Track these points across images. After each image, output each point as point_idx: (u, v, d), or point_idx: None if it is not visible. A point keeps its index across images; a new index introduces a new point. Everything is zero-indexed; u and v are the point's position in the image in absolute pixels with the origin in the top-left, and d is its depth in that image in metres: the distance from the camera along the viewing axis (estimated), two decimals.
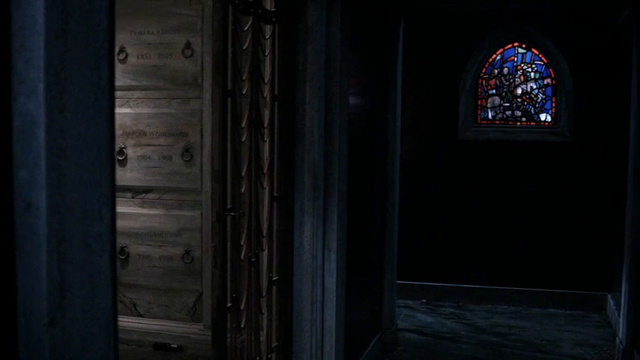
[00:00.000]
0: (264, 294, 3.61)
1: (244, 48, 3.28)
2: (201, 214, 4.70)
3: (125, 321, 5.74)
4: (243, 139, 3.35)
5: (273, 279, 3.74)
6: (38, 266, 1.64)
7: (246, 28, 3.30)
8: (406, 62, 6.44)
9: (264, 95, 3.57)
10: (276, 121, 3.69)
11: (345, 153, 4.02)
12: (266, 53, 3.57)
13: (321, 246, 3.91)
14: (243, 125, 3.32)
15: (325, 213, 3.90)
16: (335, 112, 3.88)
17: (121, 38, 5.74)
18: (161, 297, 5.34)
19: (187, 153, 5.02)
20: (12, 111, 1.64)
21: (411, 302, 7.54)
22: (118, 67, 5.77)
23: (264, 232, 3.61)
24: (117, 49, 5.74)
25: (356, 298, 4.92)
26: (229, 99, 3.11)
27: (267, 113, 3.61)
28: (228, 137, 3.11)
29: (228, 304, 3.17)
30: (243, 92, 3.32)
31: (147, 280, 5.32)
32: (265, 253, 3.65)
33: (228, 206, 3.16)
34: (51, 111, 1.63)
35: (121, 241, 5.78)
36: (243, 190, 3.33)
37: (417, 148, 7.75)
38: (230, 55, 3.09)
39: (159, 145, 5.33)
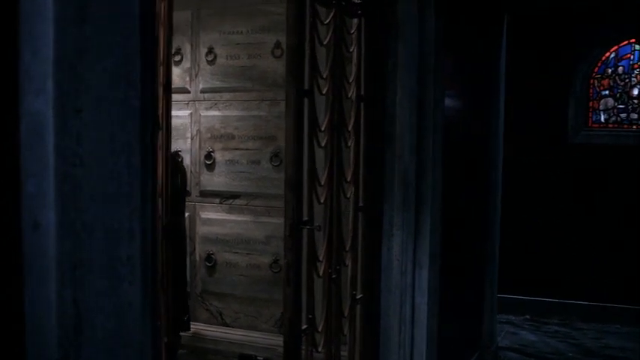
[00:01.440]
0: (345, 314, 3.26)
1: (325, 43, 2.95)
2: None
3: (211, 330, 5.54)
4: (323, 143, 3.02)
5: (357, 297, 3.39)
6: (47, 294, 1.36)
7: (327, 21, 2.97)
8: (510, 61, 5.96)
9: (349, 95, 3.22)
10: (362, 123, 3.34)
11: (440, 159, 3.61)
12: (350, 49, 3.23)
13: (411, 262, 3.52)
14: (323, 128, 2.99)
15: (417, 225, 3.51)
16: (429, 114, 3.49)
17: (210, 39, 5.53)
18: (248, 307, 5.12)
19: (276, 158, 4.76)
20: (19, 111, 1.37)
21: (513, 318, 6.99)
22: (207, 69, 5.58)
23: (347, 246, 3.26)
24: (205, 50, 5.54)
25: (451, 315, 4.49)
26: (305, 99, 2.79)
27: (352, 115, 3.27)
28: (305, 141, 2.79)
29: (304, 327, 2.84)
30: (323, 92, 2.99)
31: (233, 289, 5.13)
32: (348, 268, 3.31)
33: (304, 218, 2.84)
34: (63, 111, 1.34)
35: (208, 248, 5.57)
36: (322, 201, 3.00)
37: (522, 153, 7.18)
38: (307, 50, 2.77)
39: (247, 149, 5.11)
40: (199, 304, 5.65)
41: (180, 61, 5.69)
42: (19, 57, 1.33)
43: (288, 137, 2.73)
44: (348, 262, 3.28)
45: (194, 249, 5.66)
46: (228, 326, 5.24)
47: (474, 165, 5.30)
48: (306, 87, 2.80)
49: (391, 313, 3.52)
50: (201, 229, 5.63)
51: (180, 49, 5.67)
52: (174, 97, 5.75)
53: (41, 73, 1.33)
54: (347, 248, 3.26)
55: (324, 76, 2.97)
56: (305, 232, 2.83)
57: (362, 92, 3.32)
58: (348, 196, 3.27)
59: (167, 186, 2.68)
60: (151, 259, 1.42)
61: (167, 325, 5.09)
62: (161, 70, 2.46)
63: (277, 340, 4.64)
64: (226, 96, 5.31)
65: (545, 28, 7.18)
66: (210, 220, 5.55)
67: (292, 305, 2.75)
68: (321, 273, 3.00)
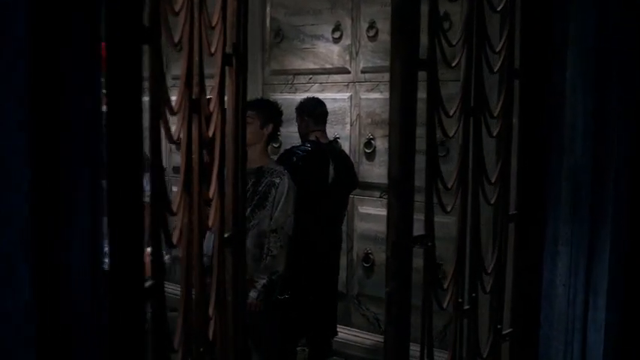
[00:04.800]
0: (485, 354, 2.43)
1: None
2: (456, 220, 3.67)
3: (367, 338, 4.89)
4: (452, 133, 2.21)
5: (504, 333, 2.54)
6: None
7: None
8: None
9: (495, 69, 2.37)
10: (514, 108, 2.47)
11: (627, 153, 2.63)
12: (498, 8, 2.37)
13: (582, 287, 2.59)
14: (452, 113, 2.18)
15: (591, 240, 2.56)
16: (612, 93, 2.53)
17: (372, 12, 4.80)
18: None
19: (442, 147, 3.98)
20: None
21: None
22: (368, 46, 4.86)
23: (490, 267, 2.42)
24: (366, 25, 4.82)
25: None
26: (420, 73, 2.00)
27: (500, 97, 2.41)
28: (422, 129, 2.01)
29: None
30: (453, 64, 2.17)
31: None
32: (490, 295, 2.47)
33: (419, 233, 2.06)
34: None
35: (366, 247, 4.91)
36: (450, 209, 2.20)
37: None
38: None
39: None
40: (355, 308, 4.99)
41: (340, 38, 5.03)
42: None
43: (393, 125, 1.97)
44: (489, 286, 2.43)
45: (351, 247, 5.00)
46: None
47: None
48: (422, 56, 2.01)
49: (553, 354, 2.61)
50: (360, 226, 4.96)
51: (339, 25, 5.00)
52: (333, 78, 5.13)
53: None
54: (489, 270, 2.41)
55: (456, 42, 2.15)
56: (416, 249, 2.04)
57: (515, 65, 2.45)
58: (493, 201, 2.42)
59: (238, 184, 2.02)
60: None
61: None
62: (219, 31, 1.79)
63: (439, 357, 3.87)
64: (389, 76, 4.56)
65: None
66: (369, 215, 4.88)
67: (395, 351, 1.99)
68: (445, 304, 2.20)
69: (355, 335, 4.91)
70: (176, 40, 1.57)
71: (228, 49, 1.95)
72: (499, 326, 2.49)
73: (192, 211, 1.72)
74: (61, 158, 1.16)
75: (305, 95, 4.76)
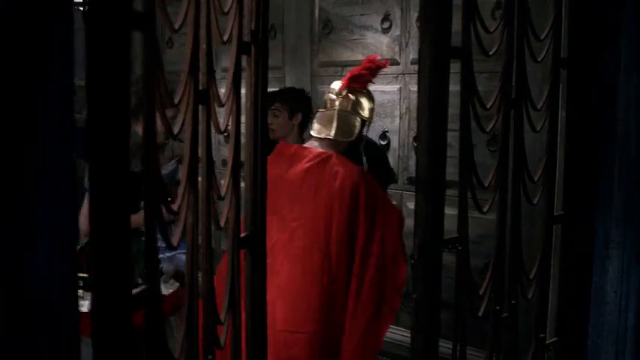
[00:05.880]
0: None
1: None
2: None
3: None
4: (489, 127, 2.03)
5: (548, 342, 2.35)
6: None
7: None
8: None
9: (540, 58, 2.18)
10: (561, 98, 2.28)
11: None
12: None
13: (635, 294, 2.38)
14: (489, 105, 2.01)
15: None
16: None
17: None
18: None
19: (494, 141, 3.79)
20: None
21: None
22: (417, 37, 4.68)
23: (532, 272, 2.24)
24: (416, 14, 4.64)
25: None
26: (454, 63, 1.83)
27: (545, 87, 2.22)
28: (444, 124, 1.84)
29: None
30: (490, 52, 1.99)
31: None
32: (533, 302, 2.28)
33: (451, 236, 1.90)
34: None
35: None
36: (486, 209, 2.02)
37: None
38: None
39: (457, 130, 4.20)
40: (403, 307, 4.82)
41: (389, 28, 4.85)
42: None
43: (421, 119, 1.81)
44: (531, 292, 2.24)
45: None
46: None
47: None
48: (455, 44, 1.84)
49: None
50: (408, 222, 4.78)
51: (388, 15, 4.83)
52: (382, 70, 4.95)
53: None
54: (531, 275, 2.23)
55: (493, 29, 1.97)
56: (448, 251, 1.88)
57: (562, 54, 2.25)
58: (536, 201, 2.24)
59: (257, 180, 1.89)
60: None
61: None
62: (233, 17, 1.66)
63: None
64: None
65: None
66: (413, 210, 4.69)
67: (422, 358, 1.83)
68: (480, 312, 2.03)
69: (403, 335, 4.74)
70: (177, 25, 1.44)
71: (247, 37, 1.82)
72: (541, 335, 2.30)
73: (201, 210, 1.61)
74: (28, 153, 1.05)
75: None
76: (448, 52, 1.80)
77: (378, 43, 4.93)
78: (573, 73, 2.29)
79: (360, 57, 4.99)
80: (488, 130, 2.03)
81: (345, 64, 5.13)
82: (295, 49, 5.33)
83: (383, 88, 4.83)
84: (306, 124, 3.87)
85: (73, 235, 1.13)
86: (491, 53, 1.98)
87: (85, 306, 2.01)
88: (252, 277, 1.89)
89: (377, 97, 4.38)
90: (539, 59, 2.16)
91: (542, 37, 2.15)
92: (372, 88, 4.52)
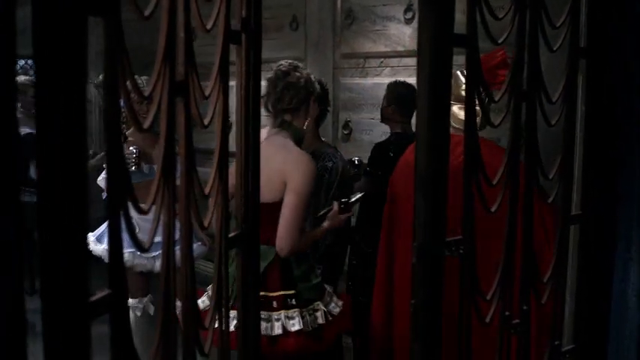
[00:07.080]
0: None
1: None
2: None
3: None
4: (497, 122, 1.89)
5: (564, 349, 2.20)
6: None
7: None
8: None
9: (555, 48, 2.03)
10: (580, 89, 2.12)
11: None
12: None
13: None
14: (498, 98, 1.87)
15: None
16: None
17: None
18: None
19: (503, 137, 3.63)
20: None
21: None
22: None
23: (546, 275, 2.09)
24: (404, 7, 4.49)
25: None
26: (459, 49, 1.70)
27: (562, 78, 2.07)
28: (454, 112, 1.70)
29: None
30: (500, 41, 1.85)
31: None
32: (547, 308, 2.13)
33: (451, 238, 1.77)
34: None
35: None
36: (494, 208, 1.88)
37: None
38: None
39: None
40: None
41: (412, 18, 4.72)
42: None
43: (420, 113, 1.68)
44: (545, 298, 2.09)
45: None
46: None
47: None
48: (460, 31, 1.70)
49: None
50: None
51: (411, 5, 4.69)
52: (405, 62, 4.81)
53: None
54: (545, 278, 2.08)
55: (500, 16, 1.83)
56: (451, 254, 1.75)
57: (582, 43, 2.09)
58: (551, 199, 2.09)
59: (248, 177, 1.78)
60: None
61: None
62: (219, 2, 1.56)
63: None
64: (461, 60, 4.25)
65: None
66: None
67: None
68: (488, 318, 1.89)
69: None
70: (148, 12, 1.33)
71: (236, 25, 1.71)
72: (557, 342, 2.16)
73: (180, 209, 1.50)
74: None
75: (376, 80, 4.48)
76: (450, 39, 1.66)
77: (401, 34, 4.80)
78: (593, 63, 2.13)
79: (382, 48, 4.86)
80: (497, 124, 1.88)
81: (367, 56, 5.01)
82: (317, 41, 5.22)
83: (406, 80, 4.68)
84: (322, 116, 3.74)
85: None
86: (500, 41, 1.84)
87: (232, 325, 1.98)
88: (244, 278, 1.79)
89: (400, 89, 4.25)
90: (555, 49, 2.01)
91: (557, 24, 2.00)
92: (393, 79, 4.39)
